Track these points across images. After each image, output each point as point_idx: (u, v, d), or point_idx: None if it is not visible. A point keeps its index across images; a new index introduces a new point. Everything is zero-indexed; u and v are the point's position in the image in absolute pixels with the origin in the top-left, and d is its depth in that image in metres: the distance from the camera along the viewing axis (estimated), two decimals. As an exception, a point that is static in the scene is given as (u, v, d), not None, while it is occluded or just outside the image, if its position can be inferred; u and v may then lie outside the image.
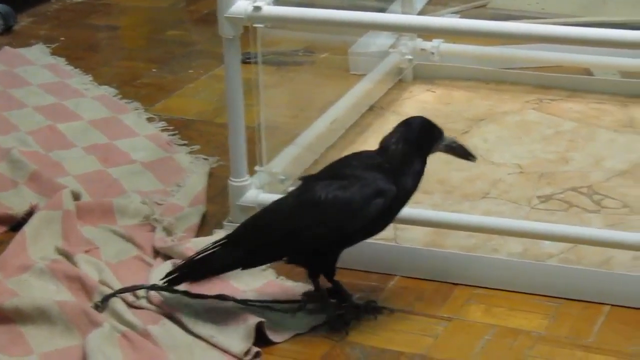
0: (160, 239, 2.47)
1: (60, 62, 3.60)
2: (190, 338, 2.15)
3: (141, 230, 2.52)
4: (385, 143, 2.17)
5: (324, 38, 3.37)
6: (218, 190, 2.70)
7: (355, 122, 3.04)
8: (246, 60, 2.48)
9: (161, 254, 2.43)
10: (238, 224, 2.45)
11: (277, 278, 2.35)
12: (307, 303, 2.22)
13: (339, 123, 2.97)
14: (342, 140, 2.95)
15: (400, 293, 2.30)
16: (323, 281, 2.21)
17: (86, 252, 2.42)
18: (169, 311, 2.21)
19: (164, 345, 2.11)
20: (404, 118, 2.24)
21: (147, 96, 3.33)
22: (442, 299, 2.28)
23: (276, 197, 2.46)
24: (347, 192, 2.11)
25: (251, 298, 2.25)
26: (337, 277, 2.21)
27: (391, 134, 2.18)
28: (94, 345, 2.07)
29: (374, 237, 2.21)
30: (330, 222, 2.11)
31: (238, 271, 2.21)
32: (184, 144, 2.99)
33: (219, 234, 2.45)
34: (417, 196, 2.20)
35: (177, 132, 3.07)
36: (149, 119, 3.15)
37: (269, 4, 2.35)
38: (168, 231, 2.50)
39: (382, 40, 3.38)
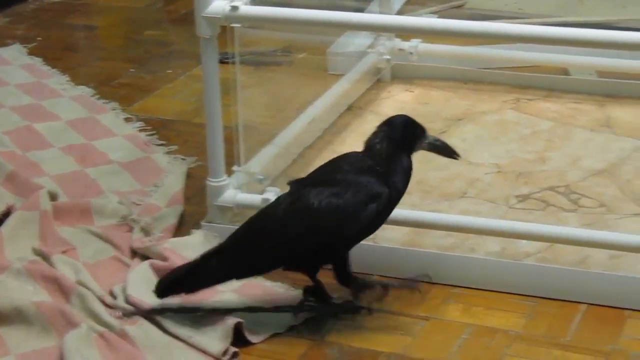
0: (138, 239, 2.46)
1: (38, 62, 3.59)
2: (167, 338, 2.14)
3: (119, 231, 2.52)
4: (369, 143, 2.17)
5: (303, 38, 3.37)
6: (196, 190, 2.69)
7: (334, 122, 3.05)
8: (224, 60, 2.48)
9: (139, 254, 2.42)
10: (216, 224, 2.47)
11: (256, 278, 2.34)
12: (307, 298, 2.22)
13: (317, 123, 2.97)
14: (320, 140, 2.95)
15: (378, 292, 2.29)
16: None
17: (63, 252, 2.41)
18: (147, 312, 2.20)
19: (142, 346, 2.11)
20: (382, 118, 2.25)
21: (125, 96, 3.33)
22: (420, 298, 2.28)
23: (254, 197, 2.48)
24: (341, 199, 2.09)
25: (234, 300, 2.24)
26: (325, 279, 2.20)
27: (375, 134, 2.18)
28: (71, 345, 2.06)
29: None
30: (325, 229, 2.10)
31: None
32: (162, 144, 2.98)
33: (196, 234, 2.45)
34: (394, 196, 2.21)
35: (155, 132, 3.06)
36: (127, 119, 3.14)
37: (246, 4, 2.35)
38: (146, 231, 2.49)
39: (361, 40, 3.38)
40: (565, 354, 2.10)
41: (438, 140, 2.22)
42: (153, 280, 2.29)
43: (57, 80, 3.42)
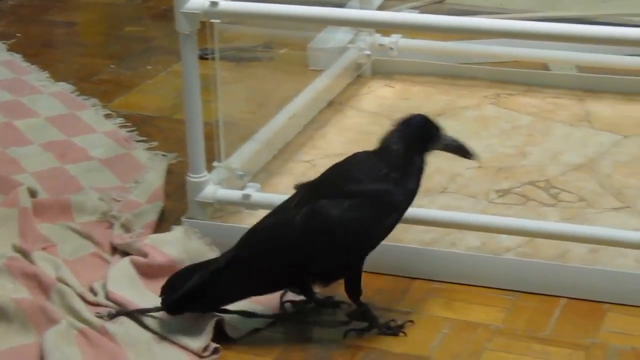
0: (118, 236, 2.46)
1: (17, 58, 3.57)
2: (148, 335, 2.14)
3: (99, 227, 2.51)
4: (385, 142, 2.11)
5: (283, 34, 3.37)
6: (176, 186, 2.69)
7: (314, 118, 3.05)
8: (204, 56, 2.47)
9: (119, 250, 2.42)
10: (197, 220, 2.47)
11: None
12: (353, 321, 2.16)
13: (297, 118, 2.97)
14: (301, 136, 2.95)
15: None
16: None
17: (43, 249, 2.41)
18: (128, 308, 2.20)
19: (122, 343, 2.10)
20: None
21: (105, 92, 3.32)
22: (401, 293, 2.29)
23: (234, 192, 2.48)
24: (363, 213, 2.04)
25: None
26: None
27: (391, 133, 2.11)
28: (51, 342, 2.05)
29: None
30: (346, 244, 2.06)
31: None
32: (142, 141, 2.98)
33: (177, 230, 2.44)
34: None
35: (135, 128, 3.05)
36: (107, 116, 3.13)
37: (225, 0, 2.35)
38: (126, 228, 2.49)
39: (341, 36, 3.38)
40: (545, 347, 2.11)
41: (455, 140, 2.16)
42: (133, 276, 2.29)
43: (36, 77, 3.40)
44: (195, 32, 2.36)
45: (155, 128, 3.07)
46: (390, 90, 3.25)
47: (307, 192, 2.13)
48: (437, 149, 2.16)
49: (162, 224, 2.56)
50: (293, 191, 2.64)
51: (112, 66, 3.55)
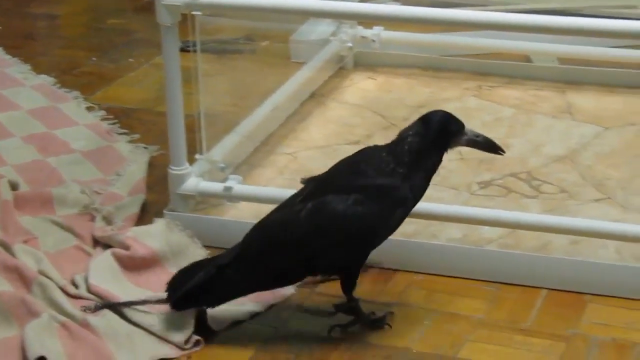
0: (100, 228, 2.45)
1: (-1, 51, 3.56)
2: (130, 327, 2.13)
3: (80, 220, 2.51)
4: (402, 135, 2.09)
5: (265, 26, 3.36)
6: (158, 178, 2.68)
7: (296, 110, 3.05)
8: (186, 49, 2.47)
9: (101, 243, 2.41)
10: (179, 212, 2.46)
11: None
12: (338, 313, 2.17)
13: (279, 111, 2.96)
14: (283, 128, 2.95)
15: (338, 282, 2.30)
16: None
17: (24, 242, 2.40)
18: (110, 301, 2.20)
19: (104, 335, 2.10)
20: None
21: (87, 85, 3.31)
22: (383, 285, 2.29)
23: (216, 185, 2.47)
24: (368, 208, 2.02)
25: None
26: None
27: (409, 128, 2.09)
28: (33, 335, 2.05)
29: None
30: (353, 239, 2.05)
31: (176, 258, 2.19)
32: (124, 133, 2.97)
33: (159, 223, 2.43)
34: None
35: (117, 121, 3.05)
36: (89, 108, 3.12)
37: (206, -9, 2.35)
38: (108, 220, 2.48)
39: (323, 28, 3.38)
40: (526, 338, 2.12)
41: (479, 135, 2.13)
42: (115, 269, 2.28)
43: (18, 69, 3.39)
44: (177, 24, 2.36)
45: (137, 120, 3.07)
46: (372, 83, 3.25)
47: (313, 186, 2.11)
48: (460, 145, 2.13)
49: (144, 216, 2.55)
50: (275, 183, 2.66)
51: (94, 59, 3.54)
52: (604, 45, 3.22)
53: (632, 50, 3.22)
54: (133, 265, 2.30)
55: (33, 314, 2.12)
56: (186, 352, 2.10)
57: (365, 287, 2.27)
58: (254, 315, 2.19)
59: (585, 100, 3.09)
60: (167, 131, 2.47)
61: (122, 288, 2.24)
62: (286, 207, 2.11)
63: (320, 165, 2.74)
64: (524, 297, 2.25)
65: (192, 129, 2.51)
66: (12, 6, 4.05)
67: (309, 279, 2.19)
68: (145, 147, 2.87)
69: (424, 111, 2.67)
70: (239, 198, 2.48)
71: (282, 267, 2.08)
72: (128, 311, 2.16)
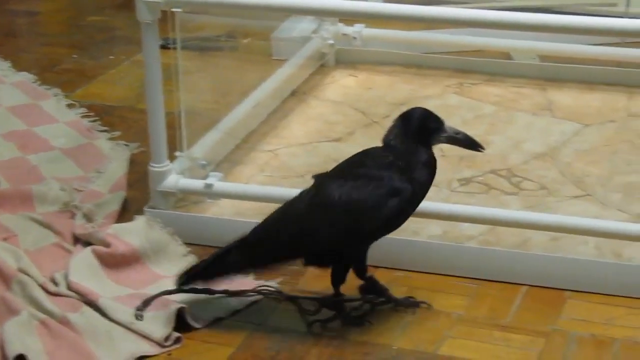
0: (80, 226, 2.44)
1: (-22, 48, 3.55)
2: (110, 325, 2.13)
3: (61, 217, 2.50)
4: (385, 139, 2.12)
5: (246, 23, 3.36)
6: (139, 176, 2.68)
7: (277, 107, 3.05)
8: (166, 46, 2.47)
9: (81, 240, 2.41)
10: (159, 210, 2.46)
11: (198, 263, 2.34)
12: (322, 307, 2.18)
13: (260, 108, 2.96)
14: (264, 125, 2.95)
15: (320, 277, 2.30)
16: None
17: (4, 239, 2.39)
18: (89, 299, 2.19)
19: (84, 333, 2.09)
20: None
21: (68, 82, 3.30)
22: (357, 286, 2.29)
23: (196, 182, 2.47)
24: (361, 193, 2.05)
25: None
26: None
27: (390, 129, 2.12)
28: (12, 333, 2.04)
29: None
30: (343, 223, 2.06)
31: (157, 255, 2.19)
32: (105, 130, 2.97)
33: (139, 220, 2.43)
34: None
35: (98, 118, 3.04)
36: (69, 105, 3.12)
37: (187, -12, 2.34)
38: (88, 218, 2.48)
39: (305, 25, 3.38)
40: (506, 335, 2.12)
41: (459, 133, 2.15)
42: (95, 266, 2.28)
43: (-2, 67, 3.39)
44: (157, 21, 2.35)
45: (117, 118, 3.06)
46: (353, 80, 3.26)
47: (321, 179, 2.15)
48: (441, 142, 2.14)
49: (125, 213, 2.55)
50: (256, 180, 2.67)
51: (74, 56, 3.53)
52: (584, 42, 3.23)
53: (612, 47, 3.23)
54: (113, 262, 2.30)
55: (13, 311, 2.11)
56: (166, 349, 2.09)
57: (345, 284, 2.26)
58: (235, 312, 2.19)
59: (566, 98, 3.10)
60: (148, 128, 2.47)
61: (102, 285, 2.24)
62: (295, 198, 2.16)
63: (302, 162, 2.75)
64: (504, 293, 2.25)
65: (172, 126, 2.51)
66: (-8, 3, 4.04)
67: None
68: (126, 145, 2.87)
69: (405, 108, 2.67)
70: (220, 195, 2.48)
71: (275, 246, 2.10)
72: (107, 308, 2.15)
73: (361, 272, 2.17)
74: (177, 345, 2.10)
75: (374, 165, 2.09)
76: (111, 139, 2.92)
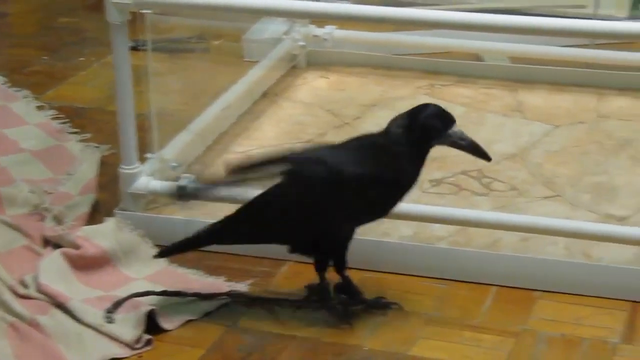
0: (50, 228, 2.43)
1: (-53, 50, 3.53)
2: (80, 327, 2.12)
3: (30, 220, 2.48)
4: (388, 125, 2.11)
5: (217, 25, 3.36)
6: (110, 178, 2.67)
7: (249, 109, 3.04)
8: (137, 47, 2.46)
9: (51, 243, 2.40)
10: (130, 212, 2.46)
11: (169, 265, 2.34)
12: (311, 295, 2.19)
13: (232, 110, 2.96)
14: (236, 127, 2.95)
15: (291, 278, 2.31)
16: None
17: (-27, 242, 2.38)
18: (59, 301, 2.18)
19: (53, 335, 2.09)
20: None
21: (38, 84, 3.28)
22: (333, 283, 2.29)
23: (167, 184, 2.47)
24: (341, 175, 2.05)
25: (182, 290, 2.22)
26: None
27: (397, 118, 2.11)
28: (-19, 336, 2.04)
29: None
30: (323, 203, 2.06)
31: (127, 257, 2.18)
32: (75, 132, 2.95)
33: (110, 222, 2.42)
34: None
35: (68, 120, 3.02)
36: (39, 107, 3.10)
37: (156, -10, 2.34)
38: (58, 220, 2.47)
39: (276, 27, 3.38)
40: (476, 335, 2.13)
41: (465, 139, 2.12)
42: (65, 268, 2.27)
43: (-33, 68, 3.36)
44: (126, 22, 2.35)
45: (88, 120, 3.05)
46: (324, 81, 3.26)
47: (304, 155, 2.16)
48: (444, 145, 2.13)
49: (95, 216, 2.54)
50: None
51: (44, 57, 3.51)
52: (555, 44, 3.25)
53: (582, 49, 3.25)
54: (83, 264, 2.29)
55: (-19, 314, 2.10)
56: (137, 351, 2.09)
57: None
58: (206, 314, 2.19)
59: (536, 99, 3.12)
60: (118, 130, 2.46)
61: (72, 288, 2.23)
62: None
63: (272, 163, 2.75)
64: (474, 294, 2.26)
65: (143, 128, 2.50)
66: (-39, 4, 4.01)
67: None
68: (96, 147, 2.86)
69: (376, 109, 2.68)
70: (191, 197, 2.47)
71: (265, 216, 2.10)
72: (77, 311, 2.15)
73: (340, 267, 2.18)
74: (148, 348, 2.10)
75: (361, 147, 2.10)
76: (81, 141, 2.90)
